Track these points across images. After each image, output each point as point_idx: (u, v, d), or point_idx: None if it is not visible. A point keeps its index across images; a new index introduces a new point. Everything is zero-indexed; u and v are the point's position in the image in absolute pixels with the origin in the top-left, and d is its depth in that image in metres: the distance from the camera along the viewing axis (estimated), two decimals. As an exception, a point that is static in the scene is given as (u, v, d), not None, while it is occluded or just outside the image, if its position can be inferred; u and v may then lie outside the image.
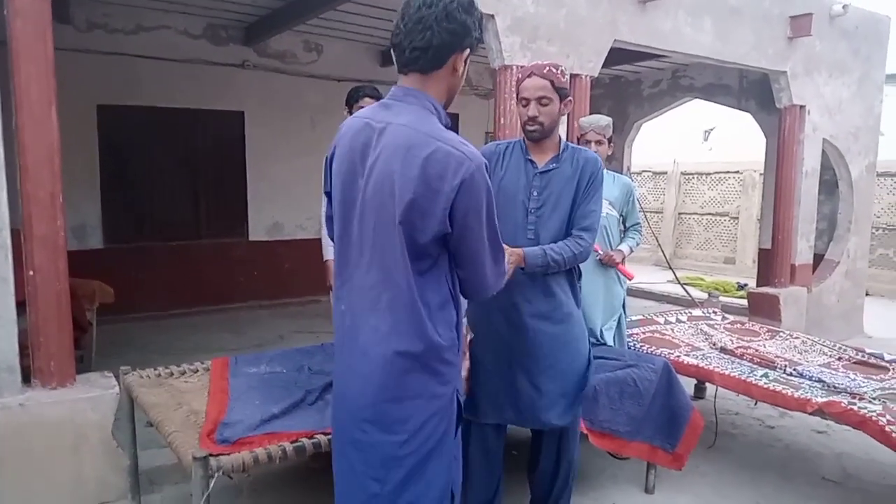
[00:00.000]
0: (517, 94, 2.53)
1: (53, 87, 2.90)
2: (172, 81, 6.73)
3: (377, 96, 3.68)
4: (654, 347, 3.96)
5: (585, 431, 2.89)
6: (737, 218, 12.02)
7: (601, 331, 3.54)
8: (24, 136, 2.85)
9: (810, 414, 3.18)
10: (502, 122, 4.48)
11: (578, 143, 3.64)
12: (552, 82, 2.43)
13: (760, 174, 9.80)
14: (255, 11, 6.48)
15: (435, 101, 1.69)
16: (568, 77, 2.41)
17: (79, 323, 4.26)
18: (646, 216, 4.80)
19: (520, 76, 2.52)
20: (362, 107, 3.59)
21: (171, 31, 6.72)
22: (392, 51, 1.72)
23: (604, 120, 3.56)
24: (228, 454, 2.23)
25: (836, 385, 3.32)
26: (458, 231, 1.61)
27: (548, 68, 2.44)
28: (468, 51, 1.71)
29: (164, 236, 7.02)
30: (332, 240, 1.82)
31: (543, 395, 2.47)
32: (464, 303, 1.81)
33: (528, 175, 2.52)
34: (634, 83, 9.30)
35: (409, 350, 1.65)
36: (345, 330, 1.76)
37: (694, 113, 11.95)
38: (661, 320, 4.70)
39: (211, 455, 2.16)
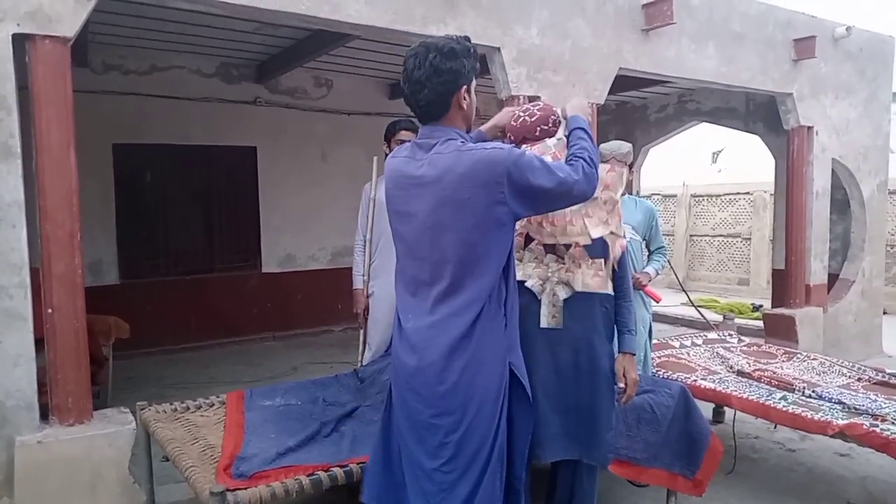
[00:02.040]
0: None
1: (73, 129, 2.99)
2: (186, 119, 6.87)
3: (414, 128, 3.77)
4: (670, 372, 3.92)
5: (603, 459, 2.86)
6: (749, 239, 11.95)
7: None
8: (43, 177, 2.92)
9: (832, 436, 3.14)
10: (511, 150, 4.51)
11: None
12: (551, 135, 2.36)
13: (771, 195, 9.77)
14: (266, 50, 6.63)
15: (458, 130, 2.01)
16: (560, 113, 2.42)
17: (95, 358, 4.28)
18: (661, 239, 4.79)
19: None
20: (401, 140, 3.68)
21: (185, 71, 6.88)
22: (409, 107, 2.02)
23: (625, 146, 3.57)
24: (245, 489, 2.24)
25: (857, 406, 3.27)
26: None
27: (538, 129, 2.34)
28: (465, 86, 1.98)
29: (178, 270, 7.09)
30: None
31: (559, 428, 2.44)
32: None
33: None
34: (641, 108, 9.36)
35: None
36: None
37: (702, 135, 11.97)
38: (677, 344, 4.67)
39: (228, 490, 2.17)
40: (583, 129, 2.17)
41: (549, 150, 2.34)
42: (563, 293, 2.43)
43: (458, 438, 1.93)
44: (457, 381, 1.93)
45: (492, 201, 1.90)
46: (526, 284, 2.45)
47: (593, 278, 2.44)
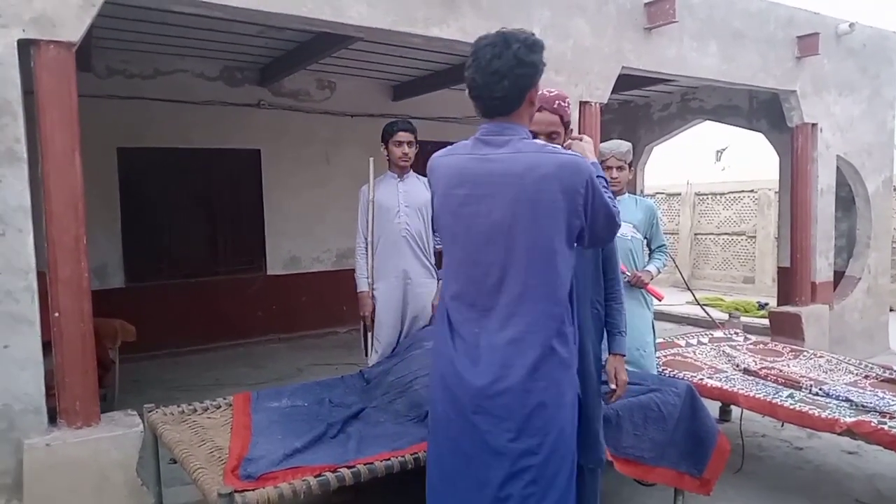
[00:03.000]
0: None
1: (77, 134, 3.00)
2: (189, 123, 6.89)
3: (411, 129, 3.79)
4: (676, 371, 3.92)
5: (611, 458, 2.86)
6: (754, 237, 11.92)
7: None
8: (49, 182, 2.94)
9: (839, 434, 3.13)
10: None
11: None
12: (561, 117, 2.39)
13: (775, 192, 9.74)
14: (269, 53, 6.64)
15: (524, 128, 1.91)
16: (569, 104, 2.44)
17: (102, 362, 4.30)
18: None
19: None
20: (399, 140, 3.71)
21: (188, 75, 6.90)
22: (473, 102, 1.90)
23: (624, 146, 3.57)
24: (253, 490, 2.24)
25: (865, 404, 3.26)
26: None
27: (557, 102, 2.36)
28: (538, 83, 1.90)
29: (183, 273, 7.11)
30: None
31: None
32: None
33: None
34: (644, 107, 9.35)
35: None
36: None
37: (705, 133, 11.94)
38: (683, 343, 4.66)
39: (236, 491, 2.17)
40: (601, 176, 2.08)
41: None
42: None
43: (541, 461, 1.83)
44: (541, 403, 1.83)
45: (571, 211, 1.82)
46: None
47: None
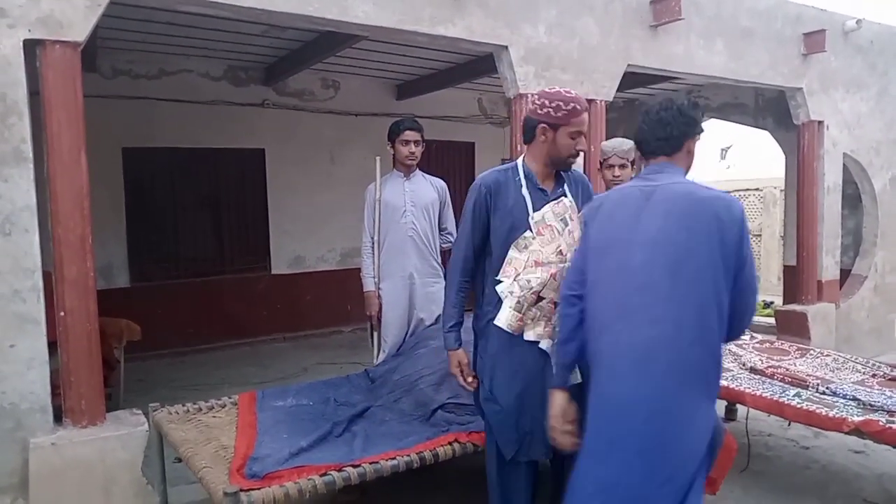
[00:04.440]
0: (565, 125, 2.45)
1: (83, 134, 3.00)
2: (194, 122, 6.90)
3: (418, 128, 3.79)
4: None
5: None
6: (759, 235, 11.88)
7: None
8: (55, 182, 2.94)
9: (847, 433, 3.11)
10: (519, 149, 4.51)
11: (601, 168, 3.65)
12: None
13: (781, 190, 9.70)
14: (274, 53, 6.64)
15: (682, 170, 2.17)
16: None
17: (107, 361, 4.31)
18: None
19: (577, 106, 2.45)
20: (405, 139, 3.70)
21: (193, 75, 6.91)
22: (637, 145, 2.23)
23: (627, 143, 3.56)
24: (259, 489, 2.24)
25: (872, 403, 3.24)
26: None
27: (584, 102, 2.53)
28: (696, 137, 2.19)
29: (189, 273, 7.12)
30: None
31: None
32: None
33: (542, 203, 2.53)
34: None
35: None
36: None
37: (710, 131, 11.89)
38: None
39: (242, 490, 2.17)
40: None
41: (567, 210, 2.55)
42: None
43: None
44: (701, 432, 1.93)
45: (724, 257, 1.93)
46: (540, 346, 2.46)
47: None
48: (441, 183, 3.98)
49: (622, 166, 3.53)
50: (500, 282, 2.49)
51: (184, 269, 7.10)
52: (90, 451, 2.97)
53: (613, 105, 7.98)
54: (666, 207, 1.99)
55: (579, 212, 2.52)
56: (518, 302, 2.44)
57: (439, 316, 3.38)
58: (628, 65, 4.94)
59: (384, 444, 2.69)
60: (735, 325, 2.00)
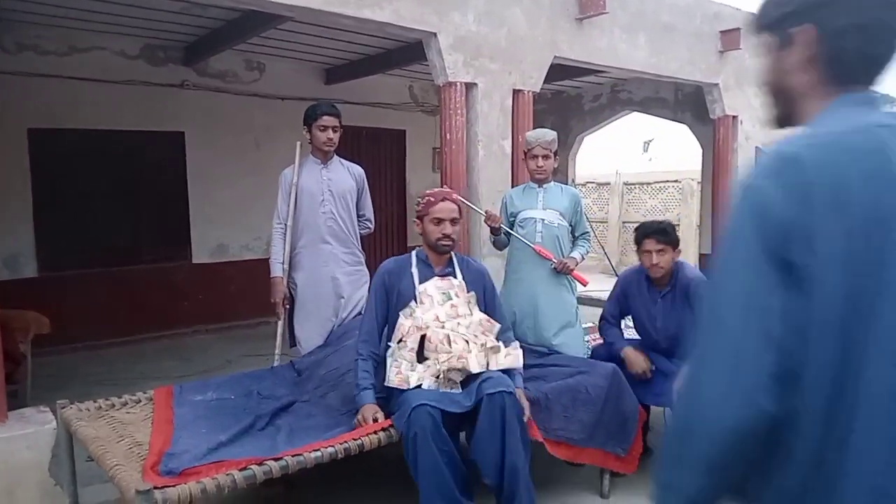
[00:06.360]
0: (426, 215, 2.91)
1: (-22, 110, 2.79)
2: (108, 103, 6.53)
3: (336, 113, 3.67)
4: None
5: (542, 440, 2.91)
6: (678, 225, 12.39)
7: (552, 340, 3.59)
8: (-54, 162, 2.72)
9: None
10: (448, 137, 4.52)
11: (525, 159, 3.70)
12: (459, 207, 2.97)
13: (698, 182, 10.15)
14: (193, 31, 6.36)
15: None
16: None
17: (12, 356, 4.06)
18: (592, 226, 4.91)
19: (432, 199, 2.91)
20: (323, 125, 3.58)
21: (107, 53, 6.53)
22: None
23: (549, 134, 3.61)
24: (174, 486, 2.15)
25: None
26: None
27: (455, 195, 3.03)
28: None
29: (103, 262, 6.76)
30: None
31: None
32: None
33: (428, 277, 2.96)
34: (576, 98, 9.52)
35: None
36: None
37: (634, 125, 12.31)
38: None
39: (155, 488, 2.09)
40: None
41: (453, 287, 2.98)
42: (458, 377, 2.73)
43: None
44: None
45: None
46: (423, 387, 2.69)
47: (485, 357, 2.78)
48: (358, 169, 3.91)
49: (545, 157, 3.59)
50: (388, 347, 2.89)
51: (97, 258, 6.73)
52: (-10, 452, 2.78)
53: (541, 96, 8.10)
54: None
55: (468, 292, 2.95)
56: (397, 360, 2.80)
57: (365, 306, 3.34)
58: (555, 56, 5.03)
59: (309, 437, 2.64)
60: None
